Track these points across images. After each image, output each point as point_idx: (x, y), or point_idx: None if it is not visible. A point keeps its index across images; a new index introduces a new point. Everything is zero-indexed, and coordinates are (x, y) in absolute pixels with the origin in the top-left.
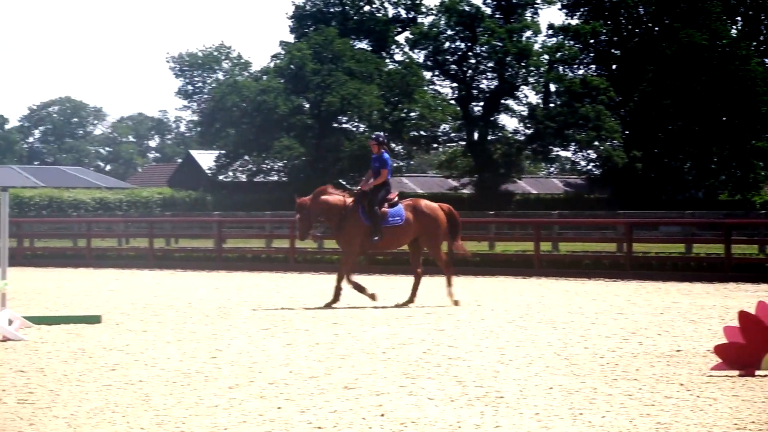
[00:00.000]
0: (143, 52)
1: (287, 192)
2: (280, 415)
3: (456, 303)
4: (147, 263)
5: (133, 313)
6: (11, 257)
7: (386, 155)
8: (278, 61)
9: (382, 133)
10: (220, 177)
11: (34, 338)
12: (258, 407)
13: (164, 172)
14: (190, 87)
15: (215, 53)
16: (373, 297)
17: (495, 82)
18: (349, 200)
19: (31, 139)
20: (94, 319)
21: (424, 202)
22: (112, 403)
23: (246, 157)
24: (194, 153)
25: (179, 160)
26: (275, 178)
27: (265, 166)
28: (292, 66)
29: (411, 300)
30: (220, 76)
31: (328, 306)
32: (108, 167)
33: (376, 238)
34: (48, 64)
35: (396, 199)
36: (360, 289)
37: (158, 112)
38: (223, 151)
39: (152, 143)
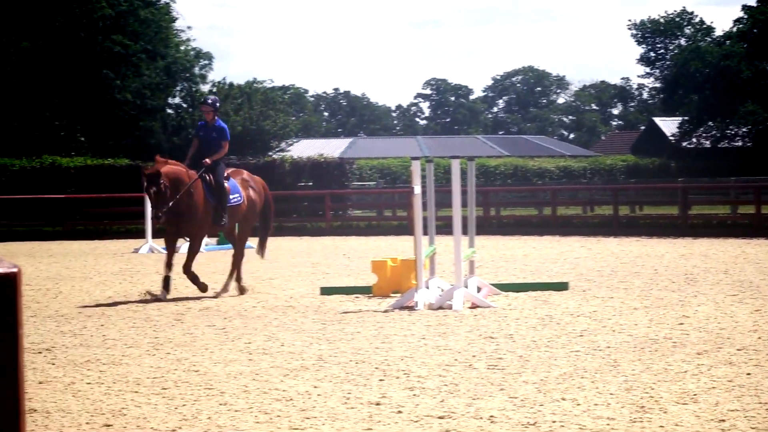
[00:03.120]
0: (605, 20)
1: (752, 158)
2: (749, 381)
3: (243, 290)
4: (611, 230)
5: (599, 280)
6: (479, 226)
7: (222, 123)
8: (741, 26)
9: (215, 97)
10: (683, 143)
11: (502, 305)
12: (727, 373)
13: (627, 139)
14: (652, 54)
15: (677, 19)
16: (204, 288)
17: None
18: (191, 174)
19: (495, 109)
20: (561, 286)
21: (247, 174)
22: (580, 368)
23: (709, 123)
24: (657, 120)
25: (642, 127)
26: (739, 143)
27: (728, 131)
28: (755, 30)
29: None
30: (683, 42)
31: (155, 297)
32: (571, 135)
33: (225, 221)
34: (511, 34)
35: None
36: (195, 279)
37: (620, 80)
38: (685, 118)
39: (615, 111)
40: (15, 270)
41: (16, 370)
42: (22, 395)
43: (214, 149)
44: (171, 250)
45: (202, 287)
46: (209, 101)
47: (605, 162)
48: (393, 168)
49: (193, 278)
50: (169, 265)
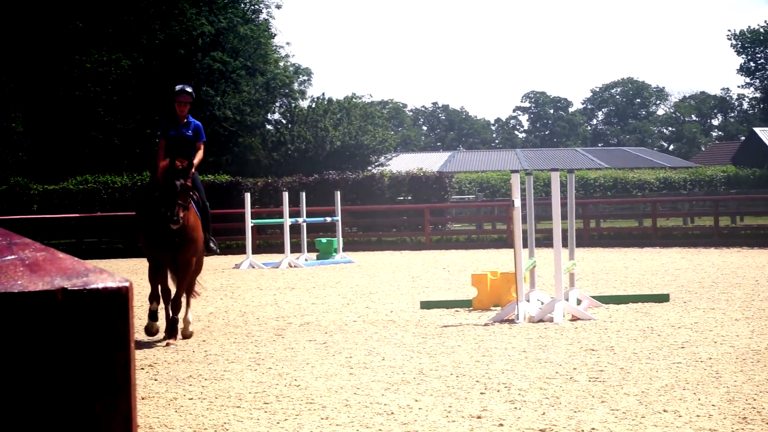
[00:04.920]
0: (704, 30)
1: None
2: None
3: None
4: (712, 241)
5: (700, 292)
6: (578, 238)
7: (195, 120)
8: None
9: (191, 87)
10: None
11: (602, 317)
12: None
13: (727, 149)
14: (752, 63)
15: None
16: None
17: None
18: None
19: (594, 121)
20: (662, 298)
21: None
22: (682, 380)
23: None
24: (757, 130)
25: (742, 138)
26: None
27: None
28: None
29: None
30: None
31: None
32: (671, 147)
33: (215, 246)
34: (610, 46)
35: None
36: (175, 324)
37: (720, 90)
38: None
39: (715, 121)
40: (127, 284)
41: (129, 386)
42: (135, 410)
43: (188, 152)
44: (163, 282)
45: (174, 332)
46: (188, 89)
47: (705, 173)
48: (492, 181)
49: (174, 323)
50: (157, 297)
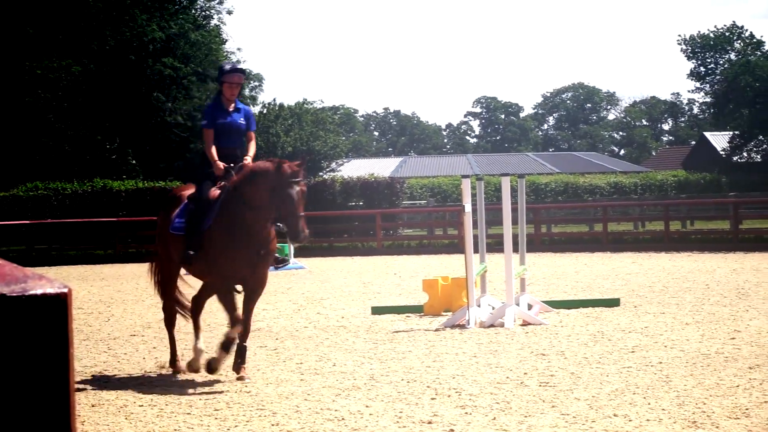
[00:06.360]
0: (654, 35)
1: None
2: None
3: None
4: (663, 246)
5: (651, 296)
6: (529, 243)
7: (244, 105)
8: None
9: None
10: (734, 158)
11: (553, 322)
12: None
13: (678, 154)
14: (702, 68)
15: (727, 33)
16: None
17: None
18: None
19: (545, 126)
20: (613, 303)
21: None
22: (632, 384)
23: (760, 137)
24: (708, 135)
25: (692, 143)
26: None
27: None
28: None
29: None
30: (733, 56)
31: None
32: (622, 151)
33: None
34: (560, 52)
35: None
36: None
37: (671, 95)
38: (736, 132)
39: (665, 126)
40: (65, 290)
41: (68, 391)
42: (74, 417)
43: (240, 142)
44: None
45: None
46: (240, 67)
47: (656, 177)
48: (443, 186)
49: (243, 350)
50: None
